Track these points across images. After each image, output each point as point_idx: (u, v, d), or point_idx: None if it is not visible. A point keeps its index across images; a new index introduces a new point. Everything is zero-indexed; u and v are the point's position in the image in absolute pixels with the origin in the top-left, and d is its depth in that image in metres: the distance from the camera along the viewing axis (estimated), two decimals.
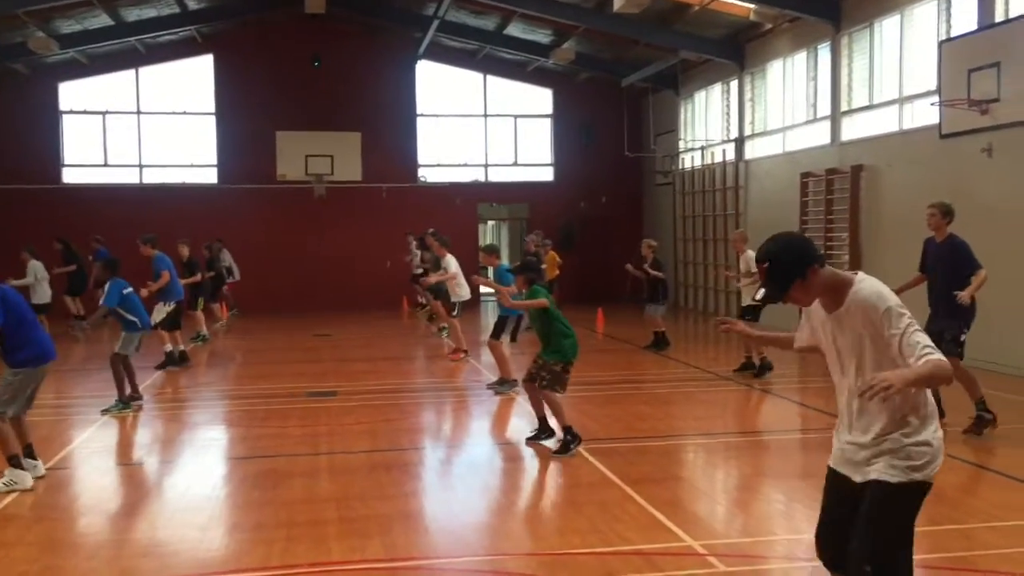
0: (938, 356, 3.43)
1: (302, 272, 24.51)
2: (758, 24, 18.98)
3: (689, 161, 23.61)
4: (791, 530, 6.36)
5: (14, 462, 7.43)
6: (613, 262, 23.64)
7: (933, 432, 3.67)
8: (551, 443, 8.50)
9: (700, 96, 23.07)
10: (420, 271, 20.36)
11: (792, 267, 3.62)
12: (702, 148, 22.80)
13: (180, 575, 5.56)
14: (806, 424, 10.18)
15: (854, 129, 16.48)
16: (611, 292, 23.88)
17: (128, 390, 10.68)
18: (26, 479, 7.42)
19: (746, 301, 12.64)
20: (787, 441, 9.47)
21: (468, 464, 8.61)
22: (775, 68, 19.20)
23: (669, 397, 11.69)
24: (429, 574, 5.64)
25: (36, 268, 17.51)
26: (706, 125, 22.82)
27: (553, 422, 8.56)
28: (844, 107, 16.65)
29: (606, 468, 7.73)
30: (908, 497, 3.66)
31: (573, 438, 8.26)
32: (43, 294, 17.53)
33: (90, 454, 8.97)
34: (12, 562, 5.71)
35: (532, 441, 8.69)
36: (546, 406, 8.48)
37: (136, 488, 8.03)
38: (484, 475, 8.08)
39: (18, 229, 21.68)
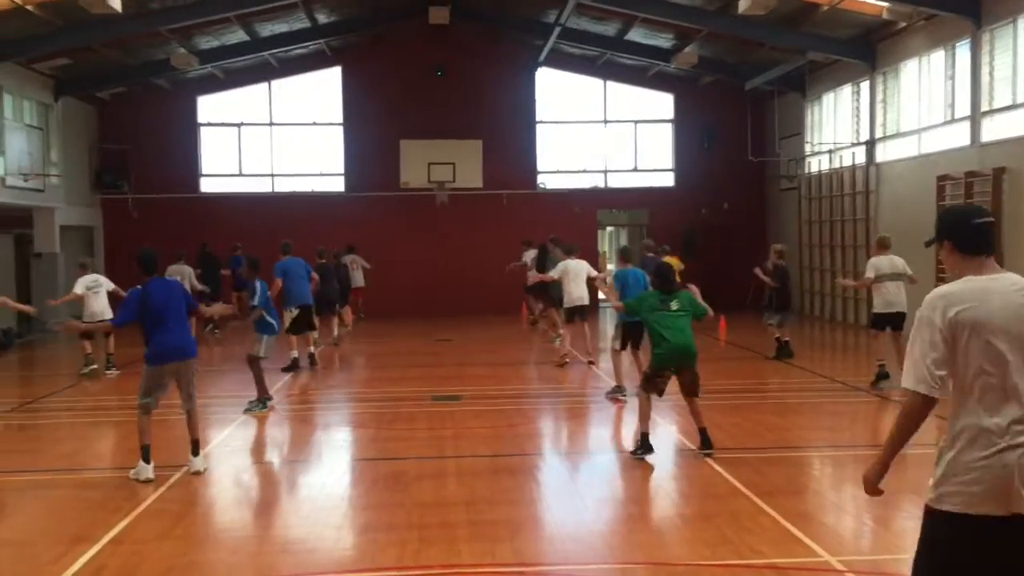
0: (905, 388, 3.32)
1: (424, 277, 24.97)
2: (891, 22, 18.30)
3: (816, 165, 22.95)
4: None
5: (143, 454, 7.86)
6: (735, 269, 23.22)
7: (949, 454, 3.37)
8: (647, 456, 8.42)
9: (828, 98, 22.41)
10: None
11: (940, 229, 3.54)
12: (830, 151, 22.13)
13: (317, 572, 5.74)
14: None
15: (996, 130, 15.69)
16: (734, 300, 23.38)
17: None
18: (146, 471, 7.81)
19: (877, 308, 12.16)
20: (926, 456, 9.05)
21: (593, 471, 8.59)
22: (909, 67, 18.47)
23: (797, 407, 11.38)
24: None
25: (181, 271, 18.24)
26: (834, 128, 22.13)
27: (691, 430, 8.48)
28: (985, 107, 15.87)
29: (735, 478, 7.58)
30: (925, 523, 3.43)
31: (644, 448, 8.30)
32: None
33: (228, 453, 9.34)
34: (161, 556, 6.01)
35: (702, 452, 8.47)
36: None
37: (272, 486, 8.34)
38: (609, 483, 8.04)
39: (161, 236, 22.80)
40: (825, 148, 22.41)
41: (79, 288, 13.84)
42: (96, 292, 13.88)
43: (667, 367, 8.45)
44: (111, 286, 14.14)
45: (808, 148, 23.35)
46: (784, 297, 15.06)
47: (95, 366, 14.33)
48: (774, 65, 21.86)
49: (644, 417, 8.52)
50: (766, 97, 24.65)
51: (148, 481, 7.73)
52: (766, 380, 13.54)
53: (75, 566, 5.76)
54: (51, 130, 21.82)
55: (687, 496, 7.36)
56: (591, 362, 14.53)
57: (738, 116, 25.14)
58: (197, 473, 8.03)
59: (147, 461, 7.85)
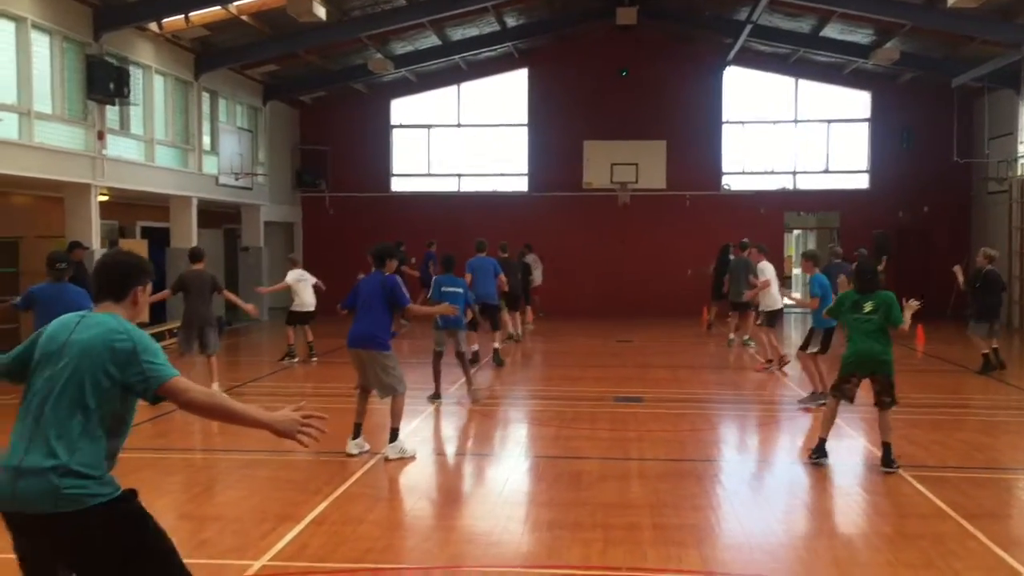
0: None
1: (605, 277, 24.98)
2: None
3: None
4: None
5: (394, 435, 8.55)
6: (934, 276, 21.91)
7: None
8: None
9: None
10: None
11: None
12: None
13: (504, 565, 5.84)
14: None
15: None
16: (932, 308, 22.01)
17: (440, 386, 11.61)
18: (409, 448, 8.66)
19: None
20: None
21: (779, 481, 8.32)
22: None
23: (1008, 426, 10.59)
24: None
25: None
26: None
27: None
28: None
29: (938, 499, 7.15)
30: None
31: (819, 453, 8.24)
32: None
33: (416, 443, 9.63)
34: (359, 538, 6.29)
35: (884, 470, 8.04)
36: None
37: (458, 478, 8.56)
38: (798, 494, 7.76)
39: (353, 232, 23.97)
40: None
41: (289, 279, 15.26)
42: (304, 284, 15.06)
43: (853, 372, 8.11)
44: (314, 280, 15.30)
45: (1022, 148, 21.67)
46: (993, 306, 14.00)
47: (296, 359, 15.24)
48: (985, 60, 20.41)
49: (825, 422, 8.31)
50: (974, 94, 23.09)
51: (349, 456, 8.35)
52: (970, 396, 12.68)
53: (281, 543, 6.13)
54: (259, 132, 23.32)
55: (884, 514, 6.98)
56: (779, 360, 14.13)
57: (942, 114, 23.68)
58: (387, 460, 8.37)
59: (354, 437, 8.61)
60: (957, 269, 14.37)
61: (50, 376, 3.42)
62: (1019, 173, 21.70)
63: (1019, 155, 21.71)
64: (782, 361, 14.18)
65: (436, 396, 11.56)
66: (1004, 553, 5.93)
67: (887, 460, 8.01)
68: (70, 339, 3.47)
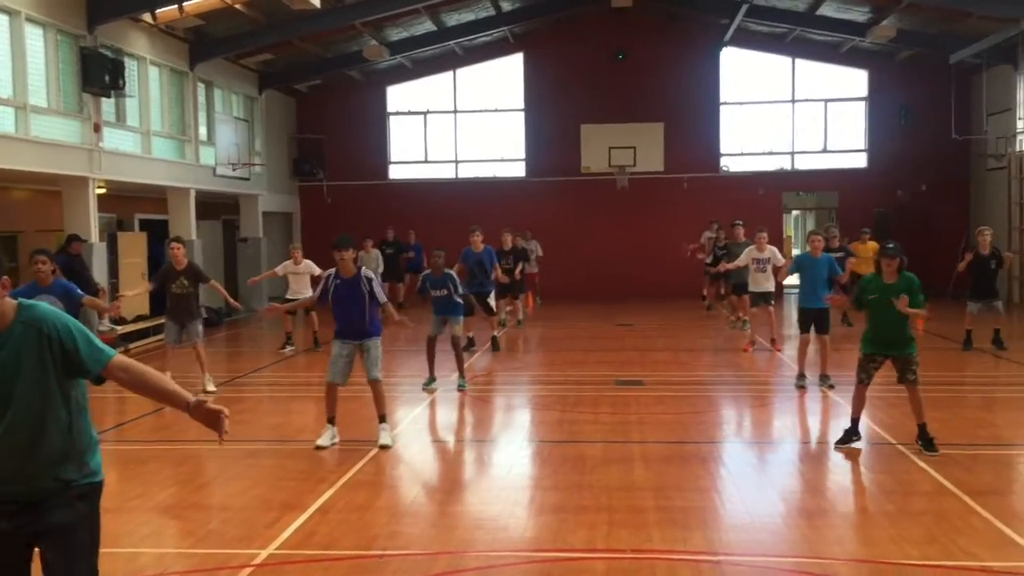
0: None
1: (604, 261, 24.97)
2: None
3: None
4: None
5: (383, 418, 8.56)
6: (934, 254, 21.90)
7: None
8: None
9: None
10: (709, 260, 20.05)
11: None
12: None
13: (511, 549, 5.87)
14: None
15: None
16: (932, 286, 22.03)
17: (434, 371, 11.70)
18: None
19: None
20: None
21: (782, 461, 8.35)
22: None
23: (1008, 402, 10.62)
24: (754, 571, 5.52)
25: (376, 256, 19.23)
26: None
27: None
28: None
29: (942, 476, 7.18)
30: None
31: (848, 434, 8.18)
32: None
33: (419, 430, 9.70)
34: (366, 525, 6.32)
35: (920, 447, 8.02)
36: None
37: (463, 464, 8.59)
38: (802, 474, 7.79)
39: (353, 221, 23.90)
40: None
41: (280, 270, 15.32)
42: (297, 276, 15.11)
43: (878, 353, 8.06)
44: (317, 271, 15.05)
45: (1020, 124, 21.61)
46: (985, 285, 14.09)
47: (294, 347, 15.28)
48: (983, 36, 20.33)
49: (853, 404, 8.23)
50: (972, 71, 23.02)
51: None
52: (972, 373, 12.71)
53: (288, 531, 6.15)
54: (256, 121, 23.25)
55: (888, 492, 7.01)
56: (772, 343, 14.29)
57: (939, 92, 23.62)
58: (383, 447, 8.42)
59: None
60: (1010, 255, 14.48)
61: None
62: (1018, 149, 21.66)
63: (1018, 131, 21.67)
64: (749, 345, 14.46)
65: (432, 380, 11.59)
66: (1007, 528, 5.96)
67: (927, 442, 7.89)
68: None
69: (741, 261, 14.27)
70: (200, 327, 11.76)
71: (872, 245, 18.17)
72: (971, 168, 24.43)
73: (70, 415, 3.49)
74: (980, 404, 10.42)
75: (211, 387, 11.55)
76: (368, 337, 8.58)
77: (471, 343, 14.88)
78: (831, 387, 11.08)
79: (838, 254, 15.29)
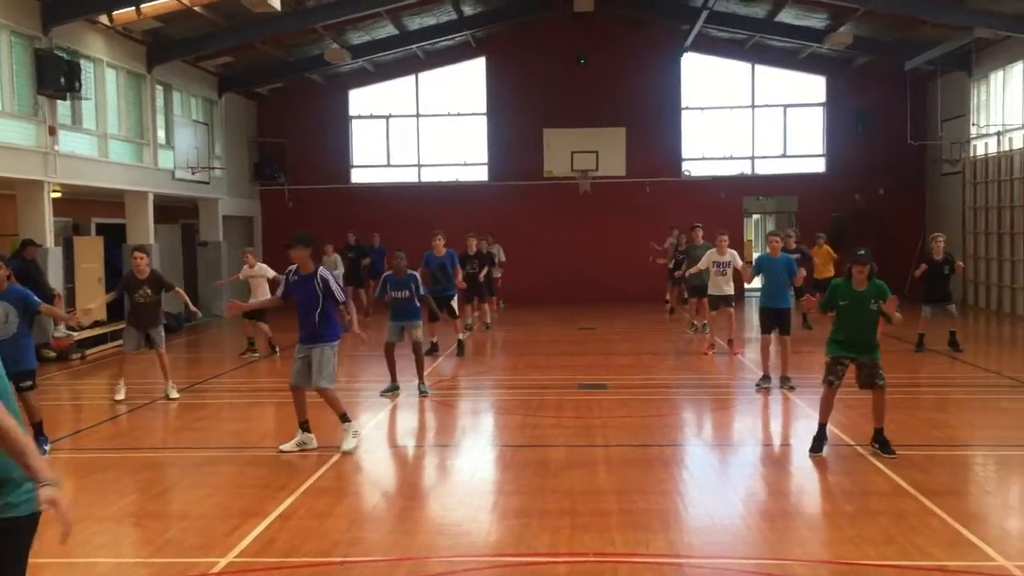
0: None
1: (567, 265, 25.03)
2: None
3: (982, 148, 21.67)
4: None
5: (345, 419, 8.51)
6: (891, 258, 22.23)
7: None
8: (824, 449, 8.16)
9: (996, 77, 21.09)
10: (671, 264, 20.30)
11: None
12: (998, 133, 20.85)
13: (474, 555, 5.85)
14: None
15: None
16: (891, 289, 22.41)
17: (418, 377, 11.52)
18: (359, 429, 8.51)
19: None
20: None
21: (744, 464, 8.42)
22: None
23: (964, 403, 10.82)
24: (715, 573, 5.55)
25: (336, 260, 19.07)
26: (1003, 108, 20.82)
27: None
28: None
29: (899, 477, 7.28)
30: None
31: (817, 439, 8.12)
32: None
33: (382, 436, 9.66)
34: (327, 532, 6.26)
35: (875, 447, 8.11)
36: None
37: (426, 470, 8.56)
38: (763, 476, 7.86)
39: (314, 225, 23.67)
40: (993, 130, 21.13)
41: (242, 275, 15.08)
42: (259, 280, 14.92)
43: (846, 356, 8.09)
44: (272, 273, 15.02)
45: (974, 130, 22.07)
46: (939, 287, 14.40)
47: (257, 353, 15.09)
48: (937, 43, 20.71)
49: (822, 408, 8.19)
50: (927, 77, 23.44)
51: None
52: (927, 374, 12.91)
53: (248, 538, 6.08)
54: (215, 125, 23.01)
55: (847, 493, 7.09)
56: (719, 346, 14.52)
57: (895, 98, 24.03)
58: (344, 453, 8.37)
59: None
60: (960, 264, 14.71)
61: None
62: (971, 155, 22.08)
63: (971, 137, 22.10)
64: (708, 349, 14.60)
65: (394, 387, 11.51)
66: (963, 528, 6.05)
67: (884, 444, 7.96)
68: None
69: (703, 264, 14.45)
70: (163, 334, 11.61)
71: (826, 249, 18.44)
72: (927, 173, 24.85)
73: None
74: (935, 405, 10.60)
75: (174, 394, 11.39)
76: (318, 341, 8.41)
77: (434, 348, 14.85)
78: (791, 388, 11.21)
79: (795, 255, 15.48)
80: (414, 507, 7.10)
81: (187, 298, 12.27)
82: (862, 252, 8.10)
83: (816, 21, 22.27)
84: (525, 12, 24.53)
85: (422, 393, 11.37)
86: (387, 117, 26.15)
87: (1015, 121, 20.06)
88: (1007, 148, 20.39)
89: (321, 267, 8.61)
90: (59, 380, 13.52)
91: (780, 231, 14.81)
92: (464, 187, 25.67)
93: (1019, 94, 19.96)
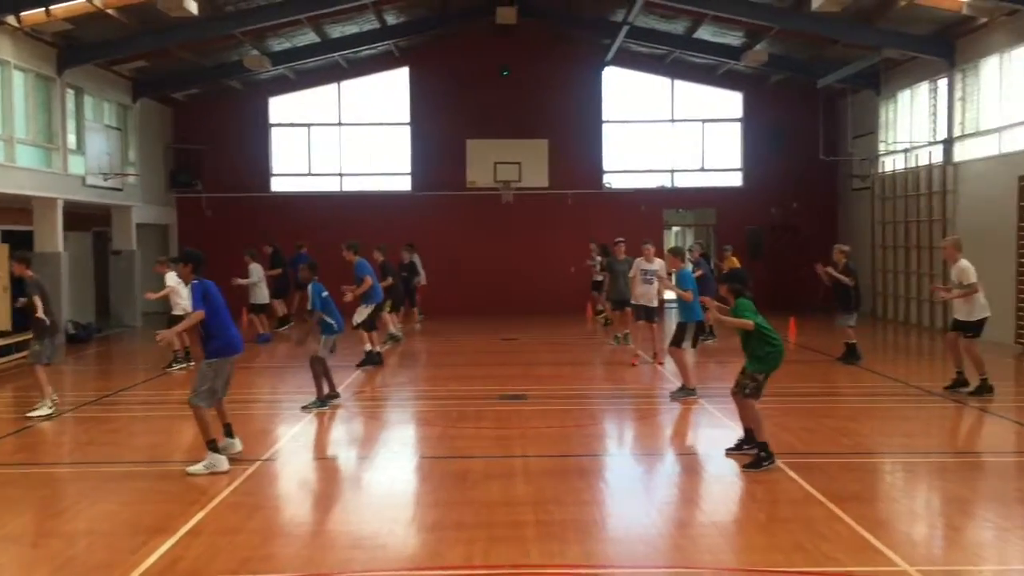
0: None
1: (489, 276, 25.05)
2: (971, 18, 17.77)
3: (890, 164, 22.43)
4: (1021, 559, 5.90)
5: (212, 447, 8.08)
6: (805, 270, 22.79)
7: None
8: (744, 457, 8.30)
9: (904, 96, 21.87)
10: (600, 278, 20.59)
11: None
12: (905, 150, 21.61)
13: (390, 568, 5.78)
14: None
15: None
16: (803, 300, 23.06)
17: (326, 389, 11.23)
18: (223, 463, 8.03)
19: (960, 315, 11.79)
20: (1004, 464, 8.78)
21: (660, 473, 8.52)
22: (990, 64, 17.94)
23: (871, 412, 11.12)
24: None
25: (256, 270, 18.66)
26: (910, 126, 21.59)
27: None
28: None
29: (809, 484, 7.44)
30: None
31: (768, 456, 8.00)
32: (261, 295, 18.72)
33: (299, 448, 9.48)
34: (237, 548, 6.11)
35: (733, 452, 8.44)
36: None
37: (342, 482, 8.42)
38: (678, 485, 7.96)
39: (233, 234, 23.31)
40: (900, 147, 21.89)
41: (170, 281, 14.27)
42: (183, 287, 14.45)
43: (775, 368, 8.27)
44: (175, 283, 14.51)
45: (882, 147, 22.84)
46: (859, 298, 14.83)
47: (183, 365, 14.56)
48: (847, 62, 21.40)
49: (760, 425, 8.22)
50: (838, 95, 24.18)
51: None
52: (837, 384, 13.27)
53: (154, 556, 5.90)
54: (129, 130, 22.43)
55: (759, 501, 7.23)
56: (644, 356, 14.73)
57: (809, 114, 24.72)
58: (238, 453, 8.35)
59: (219, 452, 8.13)
60: (819, 268, 14.89)
61: None
62: (880, 170, 22.84)
63: (880, 153, 22.85)
64: (633, 360, 14.77)
65: (333, 396, 11.31)
66: (869, 535, 6.21)
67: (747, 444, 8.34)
68: None
69: (633, 272, 14.76)
70: (36, 347, 11.01)
71: (733, 261, 18.83)
72: (838, 188, 25.60)
73: None
74: (845, 414, 10.87)
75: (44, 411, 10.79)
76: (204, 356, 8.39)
77: (378, 358, 14.72)
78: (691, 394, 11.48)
79: (698, 270, 15.81)
80: (329, 520, 7.00)
81: (40, 307, 11.44)
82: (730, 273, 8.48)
83: (733, 39, 22.79)
84: (449, 23, 24.53)
85: (322, 406, 11.12)
86: (308, 125, 25.83)
87: (921, 138, 20.80)
88: (914, 164, 21.12)
89: (199, 280, 8.38)
90: None
91: (695, 244, 15.12)
92: (387, 197, 25.49)
93: (925, 113, 20.72)
